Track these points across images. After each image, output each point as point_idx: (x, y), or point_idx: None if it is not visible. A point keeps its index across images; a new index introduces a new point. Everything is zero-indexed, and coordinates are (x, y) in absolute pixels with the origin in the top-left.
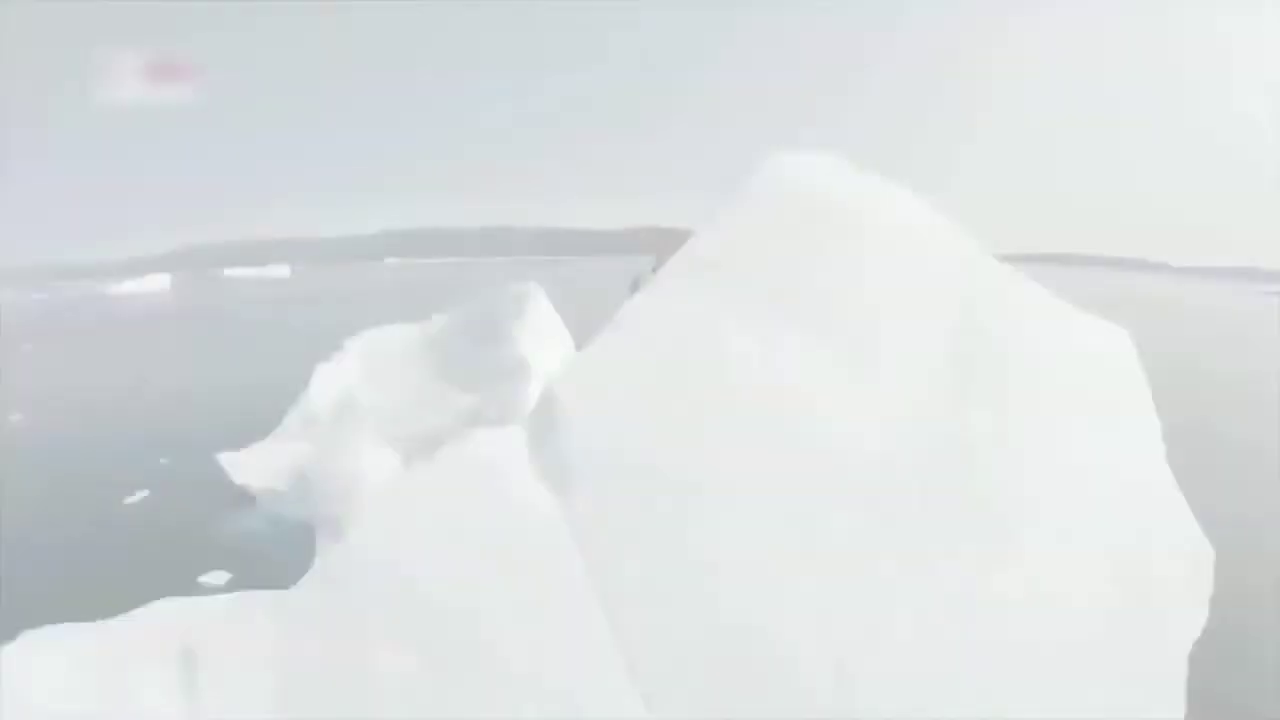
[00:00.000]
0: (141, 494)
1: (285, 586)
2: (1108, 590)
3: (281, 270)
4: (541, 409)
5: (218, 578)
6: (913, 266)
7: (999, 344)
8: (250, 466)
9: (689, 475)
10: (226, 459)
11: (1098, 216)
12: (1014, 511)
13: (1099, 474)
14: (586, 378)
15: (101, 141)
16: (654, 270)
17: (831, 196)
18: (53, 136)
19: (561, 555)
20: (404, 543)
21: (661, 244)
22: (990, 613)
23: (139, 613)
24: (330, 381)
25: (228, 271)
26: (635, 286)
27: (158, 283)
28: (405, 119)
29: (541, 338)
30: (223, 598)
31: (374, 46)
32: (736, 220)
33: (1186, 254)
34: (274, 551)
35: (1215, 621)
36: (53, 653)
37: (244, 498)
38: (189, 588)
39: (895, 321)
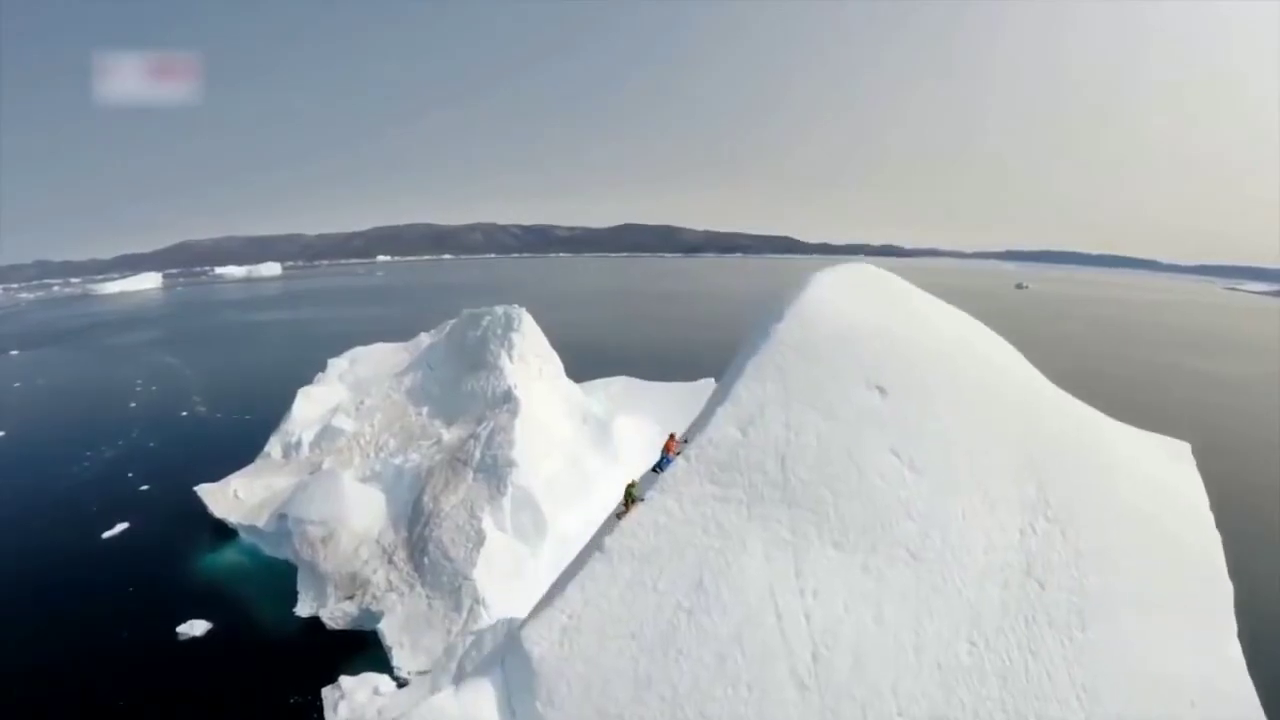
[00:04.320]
0: (121, 527)
1: (263, 636)
2: None
3: (272, 268)
4: (515, 665)
5: (196, 628)
6: (967, 434)
7: (1071, 533)
8: (229, 500)
9: None
10: (205, 491)
11: (1097, 216)
12: None
13: (1173, 676)
14: (570, 626)
15: (98, 141)
16: (656, 469)
17: (869, 338)
18: (49, 136)
19: None
20: None
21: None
22: None
23: None
24: (312, 406)
25: (218, 269)
26: (631, 495)
27: (148, 281)
28: (401, 116)
29: (529, 365)
30: None
31: (370, 45)
32: (761, 383)
33: (1183, 253)
34: (253, 594)
35: None
36: None
37: (224, 530)
38: (166, 638)
39: (953, 521)
